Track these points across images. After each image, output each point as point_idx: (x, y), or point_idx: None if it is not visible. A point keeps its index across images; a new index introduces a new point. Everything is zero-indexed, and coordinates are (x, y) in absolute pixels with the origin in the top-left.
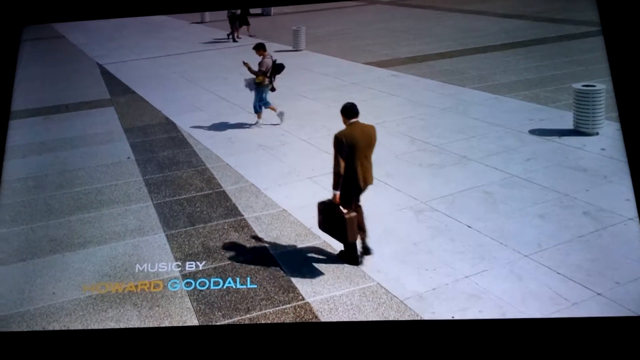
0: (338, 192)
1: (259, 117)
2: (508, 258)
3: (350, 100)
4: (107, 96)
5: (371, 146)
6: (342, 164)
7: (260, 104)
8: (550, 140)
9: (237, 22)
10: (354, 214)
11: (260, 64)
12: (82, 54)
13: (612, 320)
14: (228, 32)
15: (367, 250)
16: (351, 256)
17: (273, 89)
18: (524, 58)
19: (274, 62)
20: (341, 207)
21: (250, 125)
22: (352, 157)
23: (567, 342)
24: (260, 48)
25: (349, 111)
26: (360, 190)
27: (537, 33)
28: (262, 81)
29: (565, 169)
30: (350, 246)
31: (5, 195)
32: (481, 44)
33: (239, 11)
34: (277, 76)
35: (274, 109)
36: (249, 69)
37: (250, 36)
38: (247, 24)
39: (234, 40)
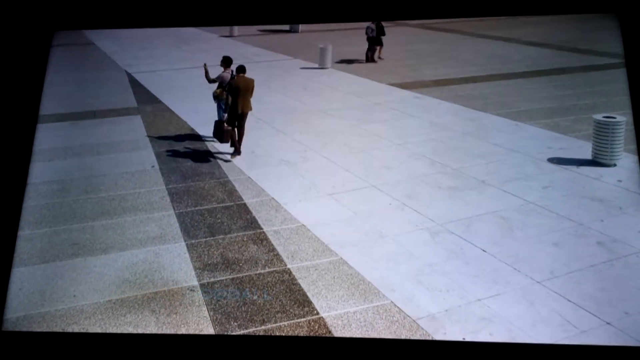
0: (225, 115)
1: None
2: (521, 283)
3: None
4: (135, 104)
5: (249, 90)
6: (230, 99)
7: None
8: (568, 170)
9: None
10: (230, 128)
11: (219, 76)
12: (111, 61)
13: (619, 349)
14: (367, 52)
15: (238, 152)
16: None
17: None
18: (547, 86)
19: (232, 77)
20: (225, 124)
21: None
22: (236, 95)
23: None
24: (223, 62)
25: (239, 69)
26: (240, 115)
27: (561, 62)
28: (220, 94)
29: (582, 198)
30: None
31: (30, 197)
32: (505, 71)
33: (374, 32)
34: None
35: None
36: (206, 72)
37: (371, 59)
38: (381, 44)
39: (374, 61)
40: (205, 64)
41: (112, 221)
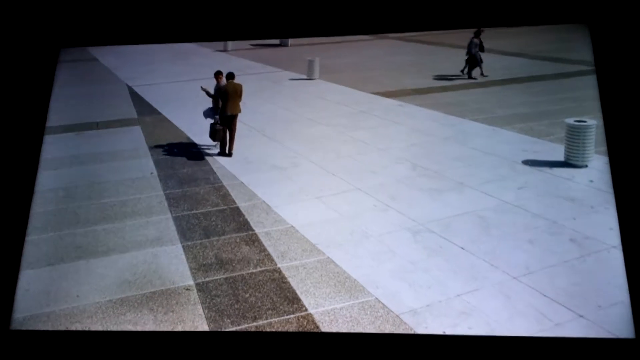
0: (217, 116)
1: None
2: (498, 279)
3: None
4: (135, 116)
5: (237, 94)
6: (220, 102)
7: None
8: (542, 171)
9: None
10: (221, 127)
11: (216, 89)
12: (113, 76)
13: (592, 341)
14: (464, 68)
15: (229, 154)
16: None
17: None
18: (522, 93)
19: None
20: (218, 125)
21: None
22: (225, 98)
23: None
24: (219, 74)
25: (229, 76)
26: (229, 116)
27: (535, 70)
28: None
29: (555, 198)
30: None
31: (37, 204)
32: (482, 79)
33: (477, 47)
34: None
35: None
36: (207, 93)
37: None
38: (481, 61)
39: (484, 75)
40: (202, 87)
41: (113, 225)
